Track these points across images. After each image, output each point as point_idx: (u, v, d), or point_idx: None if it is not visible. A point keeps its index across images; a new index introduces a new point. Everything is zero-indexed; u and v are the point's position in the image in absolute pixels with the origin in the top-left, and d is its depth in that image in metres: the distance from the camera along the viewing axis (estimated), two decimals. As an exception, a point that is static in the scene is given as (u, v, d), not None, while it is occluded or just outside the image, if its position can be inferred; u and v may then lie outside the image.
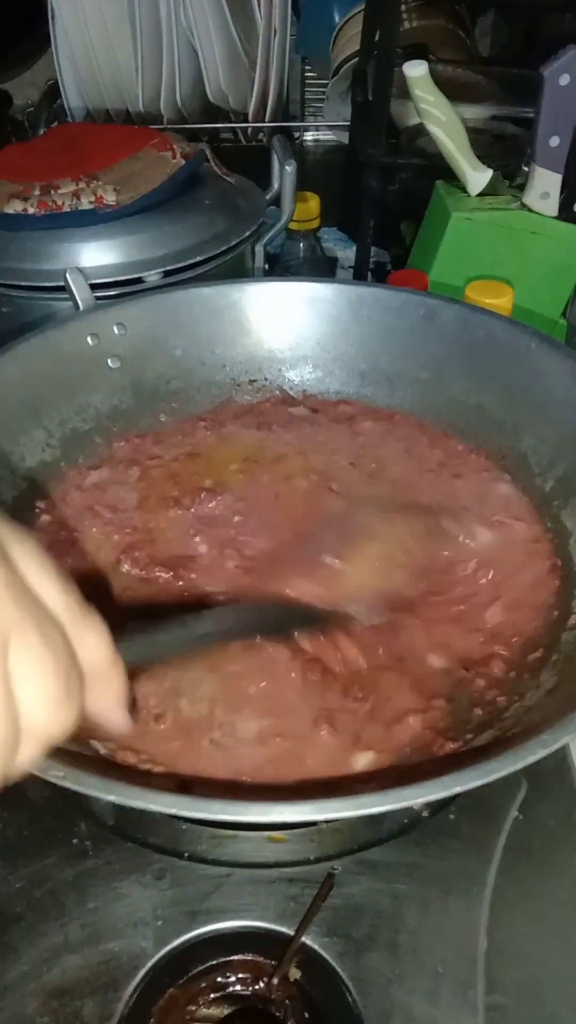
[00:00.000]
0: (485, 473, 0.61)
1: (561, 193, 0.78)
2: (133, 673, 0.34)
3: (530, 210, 0.80)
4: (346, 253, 1.08)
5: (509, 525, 0.57)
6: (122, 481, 0.61)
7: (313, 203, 0.95)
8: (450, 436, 0.64)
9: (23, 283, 0.71)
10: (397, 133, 0.95)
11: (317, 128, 1.41)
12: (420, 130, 0.83)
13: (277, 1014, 0.43)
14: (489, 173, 0.82)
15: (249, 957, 0.44)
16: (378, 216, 0.94)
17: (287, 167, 0.81)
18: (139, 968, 0.43)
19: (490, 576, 0.54)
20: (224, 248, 0.75)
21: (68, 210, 0.71)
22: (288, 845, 0.48)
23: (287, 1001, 0.43)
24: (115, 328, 0.64)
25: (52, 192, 0.72)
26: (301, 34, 1.33)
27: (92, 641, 0.30)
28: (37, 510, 0.58)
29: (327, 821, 0.47)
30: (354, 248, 1.01)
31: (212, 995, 0.43)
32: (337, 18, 1.26)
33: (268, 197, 0.83)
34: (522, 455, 0.60)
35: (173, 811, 0.34)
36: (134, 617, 0.50)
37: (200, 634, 0.41)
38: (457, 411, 0.64)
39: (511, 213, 0.81)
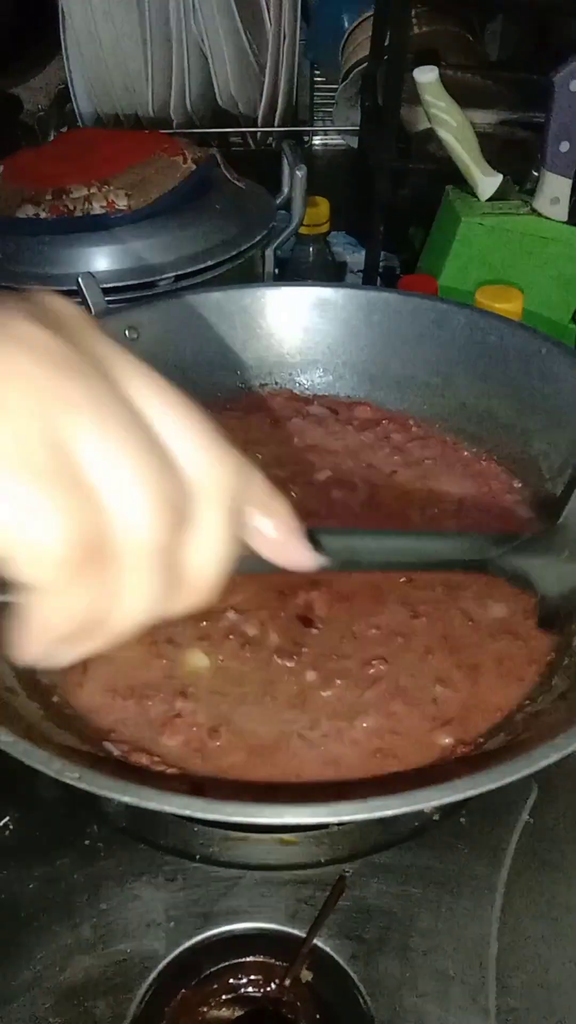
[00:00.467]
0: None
1: (571, 198, 0.79)
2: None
3: (540, 215, 0.80)
4: (356, 258, 1.08)
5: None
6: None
7: (323, 207, 0.95)
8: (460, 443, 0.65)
9: (35, 287, 0.71)
10: (407, 138, 0.95)
11: (326, 133, 1.42)
12: (430, 135, 0.83)
13: (289, 1016, 0.43)
14: (499, 178, 0.82)
15: (261, 959, 0.44)
16: (388, 221, 0.94)
17: (297, 172, 0.81)
18: (151, 969, 0.43)
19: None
20: (235, 253, 0.75)
21: (80, 215, 0.72)
22: (300, 848, 0.48)
23: (298, 1003, 0.43)
24: (127, 333, 0.64)
25: (64, 197, 0.72)
26: (310, 39, 1.33)
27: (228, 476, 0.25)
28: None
29: (339, 824, 0.47)
30: (364, 253, 1.01)
31: (224, 996, 0.44)
32: (346, 23, 1.26)
33: (278, 202, 0.84)
34: (532, 460, 0.60)
35: (187, 812, 0.34)
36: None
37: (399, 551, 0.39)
38: (467, 416, 0.64)
39: (521, 218, 0.81)
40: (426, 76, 0.78)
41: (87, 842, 0.49)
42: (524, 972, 0.44)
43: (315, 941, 0.44)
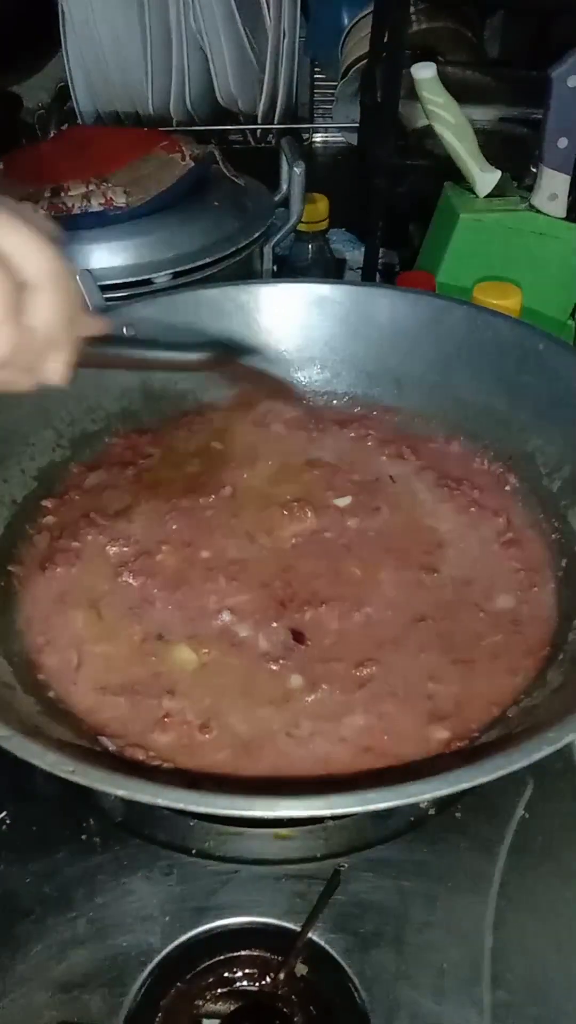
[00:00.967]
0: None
1: (569, 194, 0.79)
2: None
3: (538, 211, 0.80)
4: (355, 254, 1.08)
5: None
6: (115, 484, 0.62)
7: (322, 204, 0.95)
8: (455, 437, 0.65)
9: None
10: (406, 134, 0.95)
11: (326, 130, 1.42)
12: (429, 131, 0.83)
13: (283, 1009, 0.43)
14: (497, 174, 0.82)
15: (256, 953, 0.45)
16: (387, 217, 0.94)
17: (296, 169, 0.81)
18: (147, 963, 0.44)
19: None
20: (233, 250, 0.76)
21: (78, 212, 0.72)
22: (295, 842, 0.48)
23: (293, 997, 0.43)
24: (124, 329, 0.64)
25: (62, 194, 0.73)
26: (310, 36, 1.33)
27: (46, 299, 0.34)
28: (44, 509, 0.59)
29: (334, 818, 0.47)
30: (363, 249, 1.01)
31: (219, 990, 0.44)
32: (346, 20, 1.26)
33: (277, 199, 0.84)
34: (529, 456, 0.60)
35: (180, 806, 0.34)
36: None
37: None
38: (464, 412, 0.64)
39: (519, 214, 0.81)
40: (424, 73, 0.78)
41: (83, 836, 0.49)
42: (518, 966, 0.44)
43: (310, 935, 0.44)
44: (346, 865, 0.47)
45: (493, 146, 0.88)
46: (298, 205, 0.83)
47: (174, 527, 0.58)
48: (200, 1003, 0.43)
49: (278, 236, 0.83)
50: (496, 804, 0.50)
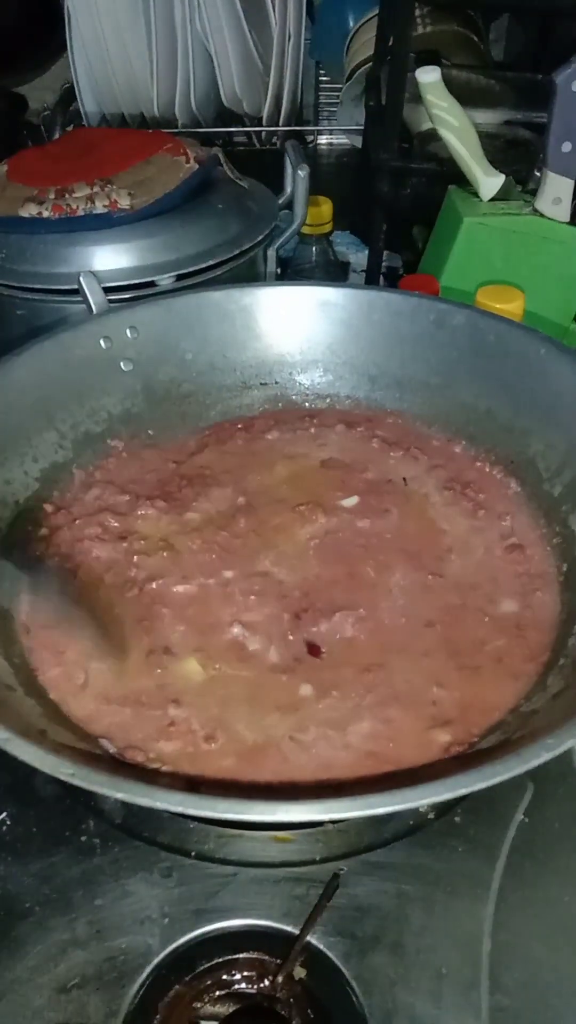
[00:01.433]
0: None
1: (573, 199, 0.79)
2: None
3: (542, 215, 0.80)
4: (358, 257, 1.08)
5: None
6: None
7: (326, 207, 0.95)
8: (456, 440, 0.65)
9: (37, 286, 0.72)
10: (410, 138, 0.95)
11: (331, 132, 1.42)
12: (433, 135, 0.83)
13: (282, 1012, 0.43)
14: (501, 178, 0.82)
15: (254, 955, 0.45)
16: (390, 220, 0.94)
17: (299, 172, 0.81)
18: (145, 965, 0.44)
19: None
20: (236, 252, 0.76)
21: (82, 214, 0.72)
22: (294, 845, 0.48)
23: (291, 999, 0.43)
24: (128, 331, 0.65)
25: (66, 196, 0.73)
26: (315, 39, 1.33)
27: None
28: (46, 512, 0.59)
29: (333, 821, 0.47)
30: (366, 252, 1.01)
31: (217, 992, 0.44)
32: (351, 23, 1.27)
33: (281, 201, 0.84)
34: (530, 460, 0.60)
35: (180, 809, 0.34)
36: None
37: None
38: (466, 416, 0.64)
39: (523, 218, 0.81)
40: (428, 77, 0.78)
41: (83, 838, 0.49)
42: (517, 970, 0.44)
43: (309, 938, 0.44)
44: (345, 868, 0.47)
45: (497, 149, 0.88)
46: (302, 208, 0.84)
47: (182, 534, 0.58)
48: (198, 1005, 0.43)
49: (282, 239, 0.83)
50: (496, 808, 0.50)
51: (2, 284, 0.73)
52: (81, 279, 0.66)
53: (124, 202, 0.73)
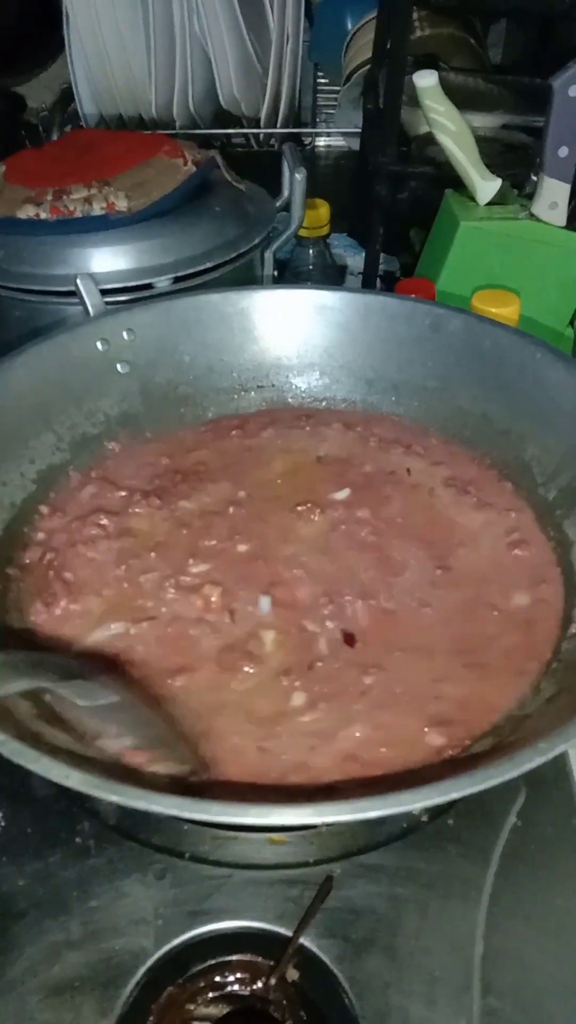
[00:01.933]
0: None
1: (570, 203, 0.79)
2: None
3: (538, 220, 0.80)
4: (356, 260, 1.08)
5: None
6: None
7: (323, 210, 0.95)
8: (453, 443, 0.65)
9: (34, 288, 0.72)
10: (408, 141, 0.95)
11: (328, 135, 1.42)
12: (431, 138, 0.83)
13: (274, 1014, 0.43)
14: (498, 183, 0.82)
15: (248, 957, 0.45)
16: (387, 224, 0.94)
17: (297, 175, 0.81)
18: (139, 966, 0.44)
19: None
20: (234, 255, 0.76)
21: (80, 216, 0.72)
22: (288, 847, 0.49)
23: (285, 1001, 0.43)
24: (125, 334, 0.65)
25: (64, 197, 0.73)
26: (314, 41, 1.33)
27: None
28: (42, 514, 0.59)
29: (327, 824, 0.48)
30: (364, 255, 1.01)
31: (211, 994, 0.44)
32: (350, 25, 1.27)
33: (278, 204, 0.84)
34: (526, 465, 0.60)
35: (174, 812, 0.34)
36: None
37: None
38: (462, 420, 0.65)
39: (519, 223, 0.81)
40: (425, 81, 0.78)
41: (78, 839, 0.49)
42: (509, 973, 0.44)
43: (302, 940, 0.45)
44: (339, 871, 0.47)
45: (495, 153, 0.88)
46: (299, 211, 0.84)
47: (183, 534, 0.58)
48: (192, 1007, 0.44)
49: (279, 241, 0.84)
50: (489, 812, 0.50)
51: (-1, 285, 0.73)
52: (78, 281, 0.66)
53: (122, 204, 0.73)
